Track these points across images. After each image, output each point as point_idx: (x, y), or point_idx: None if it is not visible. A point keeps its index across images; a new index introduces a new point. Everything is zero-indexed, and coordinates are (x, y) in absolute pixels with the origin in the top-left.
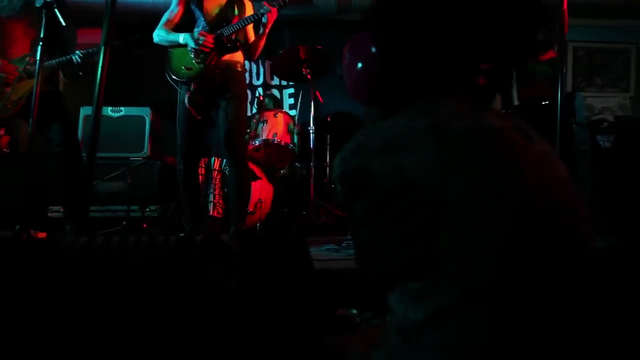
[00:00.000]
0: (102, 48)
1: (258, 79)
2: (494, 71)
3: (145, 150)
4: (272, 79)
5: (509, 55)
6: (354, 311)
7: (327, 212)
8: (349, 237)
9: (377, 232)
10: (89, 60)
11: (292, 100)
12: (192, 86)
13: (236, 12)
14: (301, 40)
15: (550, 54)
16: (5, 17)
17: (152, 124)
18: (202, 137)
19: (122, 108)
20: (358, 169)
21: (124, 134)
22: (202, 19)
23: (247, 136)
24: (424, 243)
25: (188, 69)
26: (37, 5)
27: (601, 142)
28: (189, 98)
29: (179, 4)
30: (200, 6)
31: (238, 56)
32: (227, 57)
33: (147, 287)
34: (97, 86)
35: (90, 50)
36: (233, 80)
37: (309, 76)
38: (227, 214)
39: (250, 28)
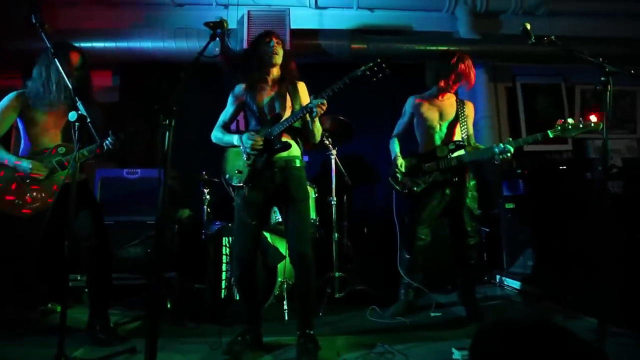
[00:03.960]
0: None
1: None
2: None
3: None
4: None
5: None
6: None
7: (347, 283)
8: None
9: None
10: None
11: None
12: (245, 191)
13: (288, 102)
14: (313, 82)
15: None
16: (43, 111)
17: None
18: (258, 241)
19: (138, 170)
20: None
21: (140, 196)
22: (255, 115)
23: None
24: None
25: (240, 172)
26: (71, 120)
27: (611, 188)
28: (240, 205)
29: (233, 103)
30: (253, 101)
31: (296, 150)
32: (284, 152)
33: None
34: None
35: (121, 135)
36: (293, 180)
37: (329, 145)
38: None
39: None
